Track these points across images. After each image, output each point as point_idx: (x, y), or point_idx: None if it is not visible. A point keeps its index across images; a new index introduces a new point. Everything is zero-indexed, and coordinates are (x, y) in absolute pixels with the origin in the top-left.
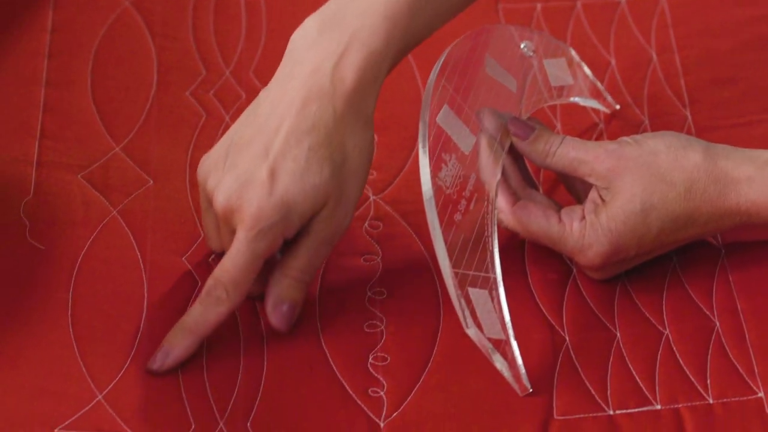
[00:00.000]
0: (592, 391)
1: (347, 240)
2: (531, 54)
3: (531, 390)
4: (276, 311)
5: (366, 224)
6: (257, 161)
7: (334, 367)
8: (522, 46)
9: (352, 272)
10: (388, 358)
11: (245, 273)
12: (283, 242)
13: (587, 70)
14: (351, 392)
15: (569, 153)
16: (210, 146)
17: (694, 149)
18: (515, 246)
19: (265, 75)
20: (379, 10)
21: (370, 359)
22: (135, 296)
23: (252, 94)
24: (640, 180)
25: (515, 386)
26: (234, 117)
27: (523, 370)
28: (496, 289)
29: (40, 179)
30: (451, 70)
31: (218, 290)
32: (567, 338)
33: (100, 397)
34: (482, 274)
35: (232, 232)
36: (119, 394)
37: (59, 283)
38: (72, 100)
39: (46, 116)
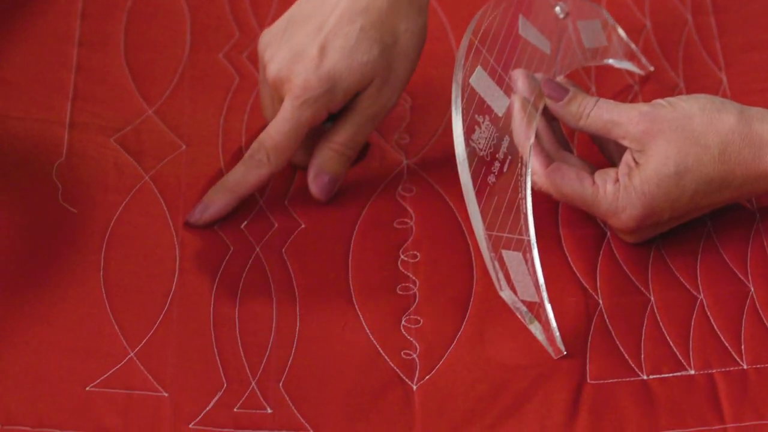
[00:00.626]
0: (626, 356)
1: (380, 204)
2: (564, 16)
3: (565, 353)
4: (317, 181)
5: (399, 188)
6: (310, 37)
7: (367, 329)
8: (556, 8)
9: (385, 235)
10: (421, 321)
11: (288, 140)
12: (329, 116)
13: (621, 32)
14: (384, 354)
15: (603, 115)
16: (243, 110)
17: (728, 112)
18: (549, 208)
19: None
20: None
21: (403, 321)
22: (167, 260)
23: None
24: (675, 143)
25: (549, 349)
26: None
27: (557, 333)
28: (530, 251)
29: (72, 141)
30: (485, 32)
31: (261, 154)
32: (601, 302)
33: (132, 354)
34: (516, 236)
35: (282, 102)
36: (151, 353)
37: (91, 246)
38: (105, 61)
39: (78, 76)
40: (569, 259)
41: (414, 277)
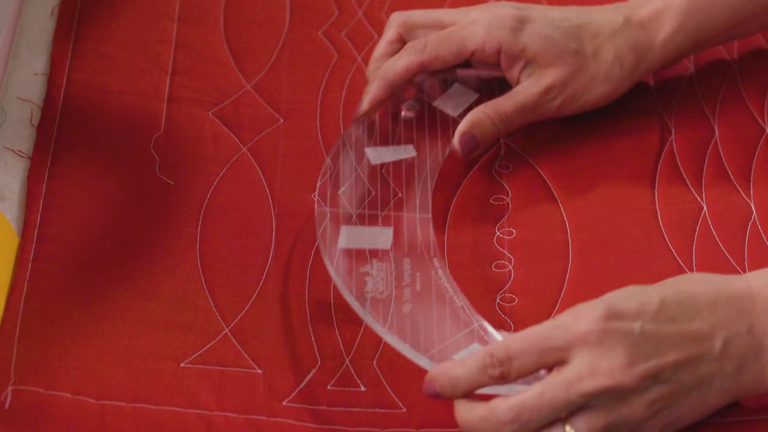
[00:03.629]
0: None
1: (477, 180)
2: (413, 112)
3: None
4: (462, 136)
5: (496, 165)
6: None
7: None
8: (403, 113)
9: (481, 211)
10: (516, 299)
11: (447, 38)
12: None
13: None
14: (479, 332)
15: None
16: (341, 86)
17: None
18: (647, 182)
19: None
20: None
21: (497, 299)
22: (263, 231)
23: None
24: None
25: None
26: (366, 58)
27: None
28: (485, 331)
29: (170, 115)
30: (333, 215)
31: (418, 43)
32: None
33: (226, 330)
34: (462, 332)
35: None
36: (246, 329)
37: (188, 218)
38: (204, 37)
39: (177, 52)
40: (666, 235)
41: (509, 254)
